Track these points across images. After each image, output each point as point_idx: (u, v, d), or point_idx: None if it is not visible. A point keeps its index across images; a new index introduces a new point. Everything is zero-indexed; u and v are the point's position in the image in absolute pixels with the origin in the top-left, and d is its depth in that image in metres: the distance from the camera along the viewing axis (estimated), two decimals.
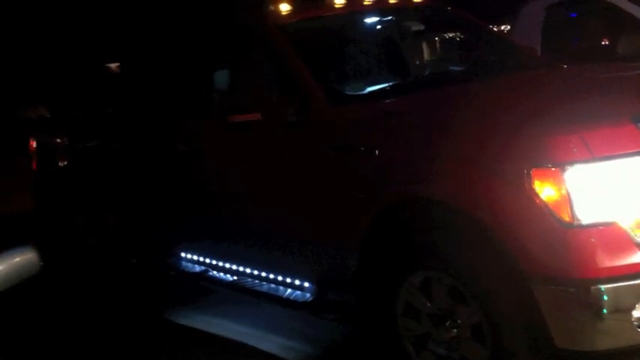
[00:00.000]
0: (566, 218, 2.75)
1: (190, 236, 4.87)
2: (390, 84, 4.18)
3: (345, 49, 4.46)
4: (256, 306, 4.54)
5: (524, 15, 7.06)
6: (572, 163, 2.76)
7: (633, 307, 2.73)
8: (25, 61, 15.04)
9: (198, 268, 4.85)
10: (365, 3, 4.79)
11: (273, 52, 4.16)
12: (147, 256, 5.27)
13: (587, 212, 2.75)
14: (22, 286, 2.46)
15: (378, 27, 4.88)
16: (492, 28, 5.65)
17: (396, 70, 4.57)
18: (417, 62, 4.95)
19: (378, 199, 3.37)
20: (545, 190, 2.78)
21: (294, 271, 4.07)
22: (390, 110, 3.65)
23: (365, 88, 4.04)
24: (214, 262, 4.69)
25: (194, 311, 5.00)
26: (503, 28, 7.92)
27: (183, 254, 4.94)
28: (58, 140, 6.01)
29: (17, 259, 2.41)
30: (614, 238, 2.74)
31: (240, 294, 4.47)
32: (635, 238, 2.74)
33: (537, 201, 2.78)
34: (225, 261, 4.59)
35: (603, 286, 2.70)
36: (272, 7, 4.45)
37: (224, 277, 4.63)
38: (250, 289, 4.37)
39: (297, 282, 4.08)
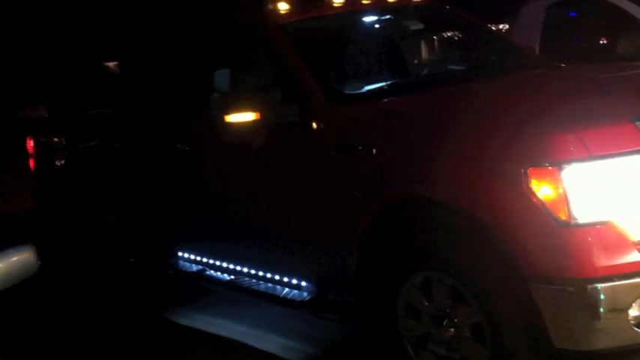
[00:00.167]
0: (564, 217, 2.75)
1: (190, 236, 4.87)
2: (390, 84, 4.19)
3: (345, 49, 4.46)
4: (256, 306, 4.55)
5: (524, 15, 7.05)
6: (569, 162, 2.76)
7: (630, 306, 2.73)
8: (25, 61, 15.02)
9: (198, 268, 4.85)
10: (364, 2, 4.79)
11: (272, 52, 4.16)
12: (147, 256, 5.27)
13: (584, 211, 2.75)
14: (22, 285, 2.45)
15: (378, 26, 4.88)
16: (491, 28, 5.64)
17: (395, 69, 4.57)
18: (417, 62, 4.95)
19: (378, 199, 3.37)
20: (543, 190, 2.78)
21: (295, 271, 4.08)
22: (390, 110, 3.65)
23: (365, 88, 4.04)
24: (214, 262, 4.69)
25: (194, 311, 5.00)
26: (501, 27, 7.90)
27: (183, 254, 4.95)
28: (59, 140, 6.02)
29: (15, 259, 2.39)
30: (611, 237, 2.74)
31: (241, 294, 4.48)
32: (632, 237, 2.74)
33: (535, 200, 2.78)
34: (225, 261, 4.60)
35: (600, 285, 2.70)
36: (272, 7, 4.45)
37: (224, 277, 4.63)
38: (250, 289, 4.37)
39: (297, 282, 4.08)
